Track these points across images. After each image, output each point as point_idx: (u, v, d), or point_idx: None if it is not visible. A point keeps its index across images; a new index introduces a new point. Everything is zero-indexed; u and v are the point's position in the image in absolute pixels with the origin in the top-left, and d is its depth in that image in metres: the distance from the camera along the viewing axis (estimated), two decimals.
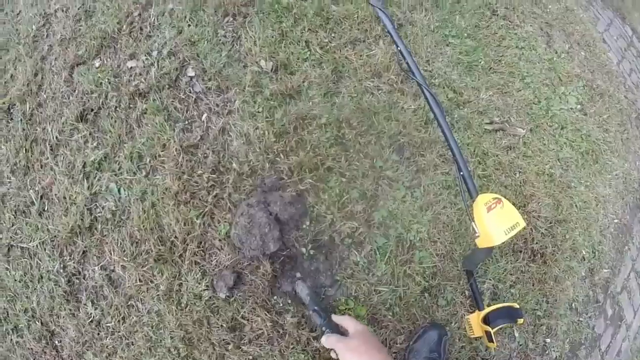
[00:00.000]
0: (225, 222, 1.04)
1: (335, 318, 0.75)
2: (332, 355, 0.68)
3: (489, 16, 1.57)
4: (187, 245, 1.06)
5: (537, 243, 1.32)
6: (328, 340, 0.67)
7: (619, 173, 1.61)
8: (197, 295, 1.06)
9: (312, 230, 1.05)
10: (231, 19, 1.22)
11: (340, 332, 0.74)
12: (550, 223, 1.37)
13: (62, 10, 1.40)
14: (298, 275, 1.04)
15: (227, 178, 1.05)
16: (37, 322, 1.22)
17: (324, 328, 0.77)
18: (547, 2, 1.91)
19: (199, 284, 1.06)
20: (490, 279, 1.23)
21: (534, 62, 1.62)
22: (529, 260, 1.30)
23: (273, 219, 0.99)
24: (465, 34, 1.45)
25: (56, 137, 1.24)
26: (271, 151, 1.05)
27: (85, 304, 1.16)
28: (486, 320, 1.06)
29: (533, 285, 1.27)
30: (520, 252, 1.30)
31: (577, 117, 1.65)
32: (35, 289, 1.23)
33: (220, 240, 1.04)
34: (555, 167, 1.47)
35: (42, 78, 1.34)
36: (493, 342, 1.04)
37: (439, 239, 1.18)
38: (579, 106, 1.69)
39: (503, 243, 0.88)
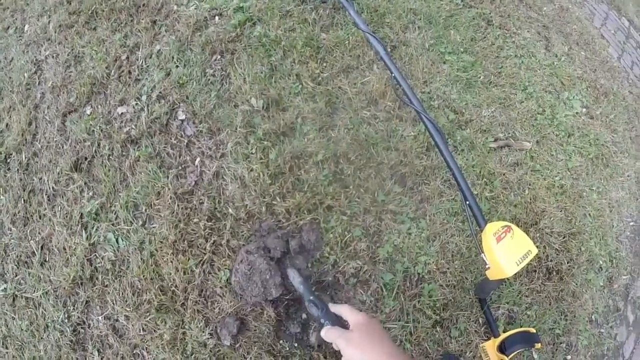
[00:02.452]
0: (225, 268, 0.99)
1: (333, 307, 0.67)
2: (335, 347, 0.59)
3: (484, 27, 1.49)
4: (188, 294, 1.01)
5: (551, 260, 1.24)
6: (328, 334, 0.59)
7: (630, 174, 1.52)
8: (201, 344, 1.02)
9: (315, 272, 1.00)
10: (219, 56, 1.17)
11: (341, 323, 0.66)
12: (564, 237, 1.29)
13: (53, 57, 1.38)
14: (296, 273, 0.91)
15: (224, 224, 1.00)
16: None
17: (322, 320, 0.68)
18: (541, 4, 1.83)
19: (203, 332, 1.01)
20: (504, 304, 1.16)
21: (534, 70, 1.54)
22: (544, 279, 1.23)
23: (274, 264, 0.94)
24: (462, 49, 1.37)
25: (52, 188, 1.22)
26: (267, 194, 0.99)
27: (92, 353, 1.13)
28: (502, 347, 0.99)
29: (550, 305, 1.20)
30: (535, 271, 1.22)
31: (583, 122, 1.57)
32: (42, 338, 1.20)
33: (221, 287, 1.00)
34: (565, 178, 1.39)
35: (36, 127, 1.31)
36: None
37: (448, 269, 1.11)
38: (584, 110, 1.61)
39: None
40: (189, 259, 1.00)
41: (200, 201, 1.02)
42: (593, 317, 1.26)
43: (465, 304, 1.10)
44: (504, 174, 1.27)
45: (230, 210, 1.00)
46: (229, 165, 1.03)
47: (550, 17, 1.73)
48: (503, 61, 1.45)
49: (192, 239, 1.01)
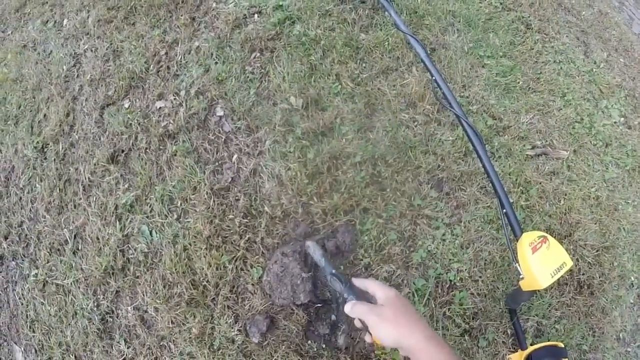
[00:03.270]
0: (258, 266, 1.00)
1: (358, 282, 0.60)
2: (357, 324, 0.55)
3: (523, 31, 1.46)
4: (220, 289, 1.02)
5: (583, 274, 1.21)
6: (355, 309, 0.52)
7: None
8: (229, 339, 1.03)
9: (347, 274, 0.99)
10: (258, 54, 1.17)
11: (366, 299, 0.60)
12: (597, 251, 1.26)
13: (91, 50, 1.41)
14: (319, 254, 0.86)
15: (259, 222, 1.00)
16: (71, 356, 1.22)
17: (345, 295, 0.64)
18: (580, 8, 1.78)
19: (232, 328, 1.02)
20: (534, 316, 1.14)
21: (573, 76, 1.50)
22: (575, 292, 1.20)
23: (307, 271, 0.94)
24: (501, 53, 1.34)
25: (88, 178, 1.24)
26: (304, 193, 0.99)
27: (118, 342, 1.15)
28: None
29: (579, 319, 1.17)
30: (566, 284, 1.20)
31: (621, 132, 1.52)
32: (69, 324, 1.23)
33: (253, 285, 1.00)
34: (601, 190, 1.35)
35: (73, 118, 1.34)
36: None
37: (480, 277, 1.09)
38: (622, 119, 1.56)
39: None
40: (222, 254, 1.01)
41: (236, 198, 1.03)
42: (621, 335, 1.22)
43: (495, 314, 1.08)
44: (540, 183, 1.24)
45: (266, 208, 1.00)
46: (267, 163, 1.04)
47: (589, 21, 1.68)
48: (542, 66, 1.41)
49: (227, 235, 1.02)
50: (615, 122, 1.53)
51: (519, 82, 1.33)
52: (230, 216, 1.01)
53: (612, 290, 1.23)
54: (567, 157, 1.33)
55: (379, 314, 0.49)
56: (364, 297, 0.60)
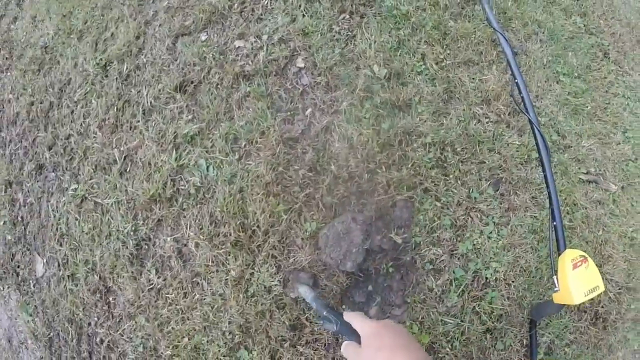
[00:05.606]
0: (312, 221, 1.03)
1: (347, 316, 0.61)
2: None
3: (600, 58, 1.48)
4: (268, 237, 1.05)
5: (602, 307, 1.26)
6: (344, 351, 0.54)
7: None
8: (266, 288, 1.05)
9: (396, 249, 1.03)
10: (347, 16, 1.18)
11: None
12: (620, 289, 1.31)
13: None
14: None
15: (322, 179, 1.02)
16: (95, 276, 1.25)
17: (340, 335, 0.70)
18: None
19: (272, 277, 1.04)
20: (549, 333, 1.19)
21: (637, 115, 1.52)
22: (590, 322, 1.25)
23: (367, 245, 0.96)
24: (576, 74, 1.36)
25: (150, 102, 1.25)
26: (373, 161, 1.02)
27: (149, 270, 1.17)
28: None
29: (587, 349, 1.22)
30: (585, 312, 1.24)
31: None
32: (100, 244, 1.25)
33: (302, 239, 1.03)
34: (638, 232, 1.39)
35: (143, 42, 1.34)
36: None
37: (513, 282, 1.13)
38: None
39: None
40: (279, 203, 1.04)
41: (304, 151, 1.05)
42: None
43: (517, 321, 1.13)
44: (586, 208, 1.28)
45: (332, 166, 1.02)
46: (340, 123, 1.06)
47: None
48: (611, 98, 1.44)
49: (287, 185, 1.04)
50: None
51: (587, 107, 1.35)
52: (295, 167, 1.04)
53: (623, 331, 1.28)
54: (615, 192, 1.37)
55: (357, 355, 0.50)
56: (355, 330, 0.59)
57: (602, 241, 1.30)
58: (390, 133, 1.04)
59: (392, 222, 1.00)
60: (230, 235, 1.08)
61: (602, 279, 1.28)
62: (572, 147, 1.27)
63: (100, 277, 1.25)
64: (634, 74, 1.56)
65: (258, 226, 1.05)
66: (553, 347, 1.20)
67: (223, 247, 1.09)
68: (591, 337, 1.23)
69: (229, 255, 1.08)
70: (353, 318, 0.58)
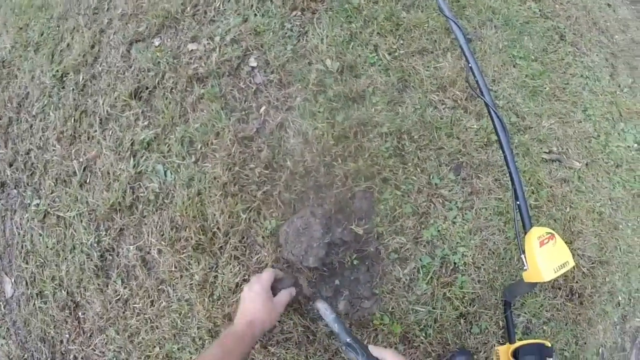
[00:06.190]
0: (272, 219, 1.01)
1: (375, 351, 0.60)
2: None
3: (557, 40, 1.50)
4: (229, 238, 1.03)
5: (577, 282, 1.26)
6: None
7: None
8: (231, 290, 1.04)
9: (358, 240, 1.02)
10: (299, 13, 1.18)
11: None
12: (593, 263, 1.31)
13: None
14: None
15: (279, 175, 1.01)
16: (63, 291, 1.21)
17: None
18: (613, 32, 1.83)
19: (236, 277, 1.03)
20: (525, 313, 1.18)
21: (597, 94, 1.54)
22: (566, 298, 1.24)
23: (327, 239, 0.94)
24: (533, 57, 1.38)
25: (107, 111, 1.23)
26: (328, 154, 1.00)
27: (115, 281, 1.14)
28: (515, 354, 1.01)
29: (566, 325, 1.22)
30: (560, 289, 1.24)
31: (633, 157, 1.57)
32: (66, 258, 1.22)
33: (263, 237, 1.01)
34: (605, 206, 1.40)
35: (98, 50, 1.33)
36: None
37: (483, 265, 1.13)
38: (636, 145, 1.61)
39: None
40: (237, 203, 1.02)
41: (259, 149, 1.04)
42: (600, 350, 1.27)
43: (491, 304, 1.12)
44: (551, 187, 1.28)
45: (288, 162, 1.01)
46: (294, 119, 1.04)
47: (620, 46, 1.73)
48: (569, 78, 1.45)
49: (244, 184, 1.03)
50: (629, 146, 1.58)
51: (546, 88, 1.37)
52: (251, 166, 1.02)
53: (601, 304, 1.28)
54: (579, 169, 1.38)
55: None
56: None
57: (570, 218, 1.30)
58: (345, 125, 1.03)
59: (353, 214, 0.99)
60: (192, 239, 1.06)
61: (574, 255, 1.29)
62: (532, 127, 1.28)
63: (68, 293, 1.22)
64: (592, 54, 1.59)
65: (218, 228, 1.03)
66: (531, 327, 1.20)
67: (185, 251, 1.06)
68: (569, 313, 1.22)
69: (192, 259, 1.06)
70: (386, 353, 0.57)
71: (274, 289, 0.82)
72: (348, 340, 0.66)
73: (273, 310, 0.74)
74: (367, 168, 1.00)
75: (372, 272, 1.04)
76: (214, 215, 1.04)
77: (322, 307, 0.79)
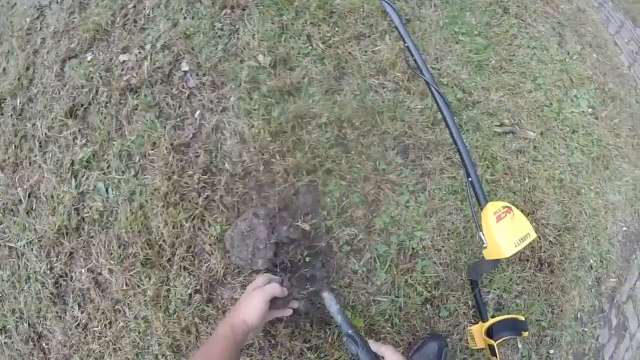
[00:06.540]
0: (216, 225, 0.95)
1: (374, 346, 0.62)
2: None
3: (500, 14, 1.45)
4: (176, 249, 0.97)
5: (544, 252, 1.22)
6: None
7: (629, 179, 1.51)
8: (185, 302, 0.98)
9: (306, 237, 0.96)
10: (229, 11, 1.12)
11: None
12: (559, 231, 1.27)
13: (57, 2, 1.31)
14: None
15: (219, 179, 0.95)
16: (24, 324, 1.15)
17: (361, 359, 0.62)
18: (559, 1, 1.80)
19: (188, 289, 0.97)
20: (495, 289, 1.14)
21: (545, 63, 1.51)
22: (535, 269, 1.21)
23: (273, 239, 0.89)
24: (476, 32, 1.33)
25: (45, 134, 1.16)
26: (266, 151, 0.95)
27: (72, 307, 1.09)
28: (489, 332, 0.97)
29: (539, 296, 1.18)
30: (527, 260, 1.20)
31: (588, 121, 1.54)
32: (22, 289, 1.15)
33: (210, 244, 0.95)
34: (565, 173, 1.37)
35: (33, 72, 1.25)
36: (496, 356, 0.94)
37: (443, 246, 1.08)
38: (590, 110, 1.58)
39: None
40: (179, 212, 0.96)
41: (197, 154, 0.97)
42: (579, 314, 1.24)
43: (457, 285, 1.07)
44: (506, 159, 1.24)
45: (226, 165, 0.95)
46: (230, 120, 0.99)
47: (567, 15, 1.70)
48: (515, 50, 1.41)
49: (185, 193, 0.97)
50: (583, 112, 1.55)
51: (491, 61, 1.32)
52: (190, 172, 0.96)
53: (572, 270, 1.25)
54: (534, 138, 1.33)
55: None
56: None
57: (529, 188, 1.26)
58: (282, 120, 0.98)
59: (298, 210, 0.94)
60: (139, 254, 1.00)
61: (538, 225, 1.25)
62: (480, 102, 1.24)
63: (29, 324, 1.15)
64: (537, 24, 1.55)
65: (163, 240, 0.97)
66: (502, 302, 1.15)
67: (134, 268, 1.00)
68: (540, 284, 1.19)
69: (142, 275, 1.00)
70: (385, 348, 0.58)
71: (274, 302, 0.78)
72: (350, 332, 0.66)
73: (253, 308, 0.69)
74: (308, 161, 0.95)
75: (327, 267, 0.98)
76: (158, 227, 0.98)
77: (328, 297, 0.78)
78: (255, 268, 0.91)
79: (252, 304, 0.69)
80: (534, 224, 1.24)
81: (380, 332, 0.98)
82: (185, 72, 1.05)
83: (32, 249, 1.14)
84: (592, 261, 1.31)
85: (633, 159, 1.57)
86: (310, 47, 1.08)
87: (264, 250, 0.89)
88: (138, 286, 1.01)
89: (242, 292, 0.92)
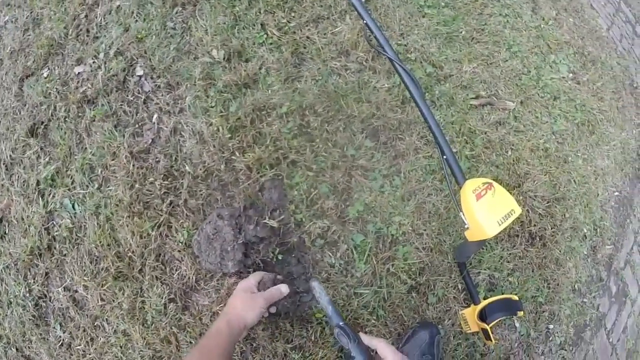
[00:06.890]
0: (183, 230, 0.89)
1: (366, 339, 0.60)
2: None
3: None
4: (145, 259, 0.92)
5: (535, 225, 1.14)
6: None
7: (616, 143, 1.42)
8: (161, 312, 0.93)
9: (276, 234, 0.89)
10: (180, 8, 1.05)
11: (371, 356, 0.59)
12: (548, 202, 1.19)
13: (12, 22, 1.26)
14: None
15: (181, 183, 0.89)
16: (12, 349, 1.11)
17: (352, 353, 0.60)
18: None
19: (162, 298, 0.92)
20: (485, 269, 1.06)
21: (520, 30, 1.42)
22: (527, 244, 1.13)
23: (241, 240, 0.83)
24: (443, 4, 1.25)
25: (10, 156, 1.11)
26: (226, 149, 0.88)
27: (54, 327, 1.05)
28: (483, 314, 0.90)
29: (533, 271, 1.10)
30: (517, 236, 1.12)
31: (569, 87, 1.45)
32: (6, 315, 1.12)
33: (179, 251, 0.90)
34: (550, 141, 1.28)
35: None
36: (491, 339, 0.88)
37: (424, 230, 1.01)
38: (571, 75, 1.49)
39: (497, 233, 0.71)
40: (145, 221, 0.90)
41: (157, 159, 0.92)
42: (576, 286, 1.17)
43: (443, 269, 1.00)
44: (485, 133, 1.16)
45: (187, 167, 0.89)
46: (187, 121, 0.93)
47: None
48: (487, 19, 1.33)
49: (148, 200, 0.91)
50: (563, 77, 1.46)
51: (461, 32, 1.24)
52: (151, 179, 0.90)
53: (565, 241, 1.17)
54: (513, 108, 1.25)
55: None
56: (369, 355, 0.58)
57: (513, 160, 1.18)
58: (240, 114, 0.91)
59: (264, 207, 0.87)
60: (111, 268, 0.95)
61: (525, 198, 1.16)
62: (453, 75, 1.16)
63: (17, 349, 1.12)
64: None
65: (132, 251, 0.92)
66: (495, 282, 1.08)
67: (107, 282, 0.96)
68: (533, 259, 1.11)
69: (116, 288, 0.96)
70: (377, 342, 0.56)
71: (265, 288, 0.77)
72: (341, 324, 0.63)
73: (252, 308, 0.69)
74: (270, 155, 0.88)
75: (303, 263, 0.91)
76: (126, 238, 0.93)
77: (317, 287, 0.74)
78: (226, 271, 0.85)
79: (254, 307, 0.69)
80: (521, 197, 1.16)
81: (365, 325, 0.92)
82: (140, 76, 0.99)
83: (9, 274, 1.10)
84: (585, 230, 1.23)
85: (619, 122, 1.48)
86: (265, 36, 1.01)
87: (232, 252, 0.83)
88: (113, 300, 0.96)
89: (227, 293, 0.87)
